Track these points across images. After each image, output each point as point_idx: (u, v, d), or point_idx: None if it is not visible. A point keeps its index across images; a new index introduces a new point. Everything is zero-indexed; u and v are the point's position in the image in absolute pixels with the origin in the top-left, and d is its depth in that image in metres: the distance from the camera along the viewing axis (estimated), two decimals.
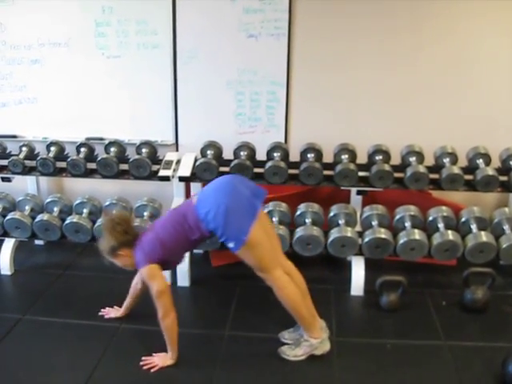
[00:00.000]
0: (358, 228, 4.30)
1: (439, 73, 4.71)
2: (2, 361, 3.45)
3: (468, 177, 4.41)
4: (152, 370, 3.33)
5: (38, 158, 4.70)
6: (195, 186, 4.66)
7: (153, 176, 4.61)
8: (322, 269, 4.53)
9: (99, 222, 4.29)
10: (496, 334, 3.71)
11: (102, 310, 3.94)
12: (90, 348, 3.55)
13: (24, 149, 4.91)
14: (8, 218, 4.41)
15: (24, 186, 5.00)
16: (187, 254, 3.81)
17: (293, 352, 3.44)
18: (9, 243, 4.54)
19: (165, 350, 3.40)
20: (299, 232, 4.11)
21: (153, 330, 3.54)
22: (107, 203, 4.45)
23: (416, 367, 3.40)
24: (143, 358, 3.41)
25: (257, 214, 3.22)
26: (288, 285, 3.32)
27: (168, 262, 3.41)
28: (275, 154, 4.68)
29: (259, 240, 3.21)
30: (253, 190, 3.33)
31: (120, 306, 3.90)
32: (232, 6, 4.69)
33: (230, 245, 3.19)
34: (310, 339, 3.41)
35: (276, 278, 3.29)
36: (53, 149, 4.91)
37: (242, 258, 3.29)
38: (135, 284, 3.76)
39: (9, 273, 4.50)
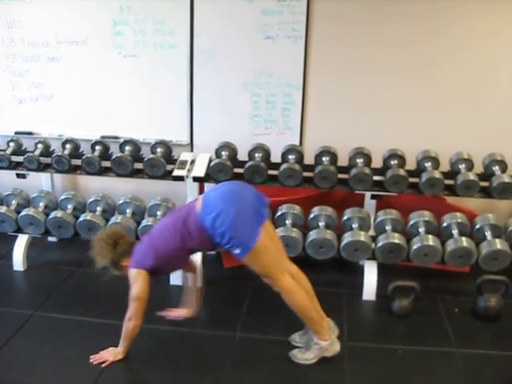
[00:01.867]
0: (372, 232, 4.28)
1: (456, 79, 4.68)
2: (14, 356, 3.46)
3: (483, 183, 4.37)
4: (103, 365, 3.36)
5: (53, 155, 4.72)
6: (209, 187, 4.66)
7: (167, 175, 4.62)
8: (334, 273, 4.52)
9: (112, 220, 4.30)
10: (508, 343, 3.67)
11: (159, 312, 3.75)
12: (100, 345, 3.53)
13: (39, 146, 4.94)
14: (22, 214, 4.43)
15: (39, 182, 5.03)
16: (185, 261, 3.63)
17: (304, 356, 3.43)
18: (22, 239, 4.56)
19: (174, 351, 3.39)
20: (312, 235, 4.10)
21: (163, 329, 3.55)
22: (121, 202, 4.46)
23: (427, 374, 3.38)
24: (91, 356, 3.42)
25: (263, 221, 3.21)
26: (296, 290, 3.30)
27: (160, 270, 3.39)
28: (290, 157, 4.67)
29: (265, 246, 3.19)
30: (258, 197, 3.29)
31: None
32: (250, 8, 4.69)
33: (237, 251, 3.15)
34: (319, 342, 3.40)
35: (284, 284, 3.27)
36: (68, 146, 4.93)
37: (248, 265, 3.26)
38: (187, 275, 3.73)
39: (21, 269, 4.52)
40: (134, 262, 3.34)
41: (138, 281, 3.30)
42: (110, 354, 3.41)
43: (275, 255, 3.29)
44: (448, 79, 4.69)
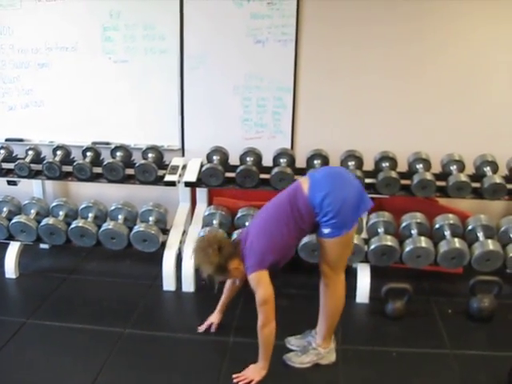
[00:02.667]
0: (364, 235, 4.29)
1: (446, 80, 4.70)
2: (6, 364, 3.44)
3: (475, 184, 4.39)
4: None
5: (44, 162, 4.70)
6: (201, 192, 4.66)
7: (159, 181, 4.61)
8: None
9: (104, 226, 4.28)
10: (502, 343, 3.68)
11: (200, 327, 3.77)
12: (94, 352, 3.54)
13: (30, 152, 4.92)
14: (13, 221, 4.41)
15: (30, 189, 5.01)
16: None
17: (299, 359, 3.42)
18: (14, 247, 4.54)
19: (169, 356, 3.38)
20: (305, 239, 4.09)
21: (156, 336, 3.54)
22: (113, 208, 4.45)
23: (422, 375, 3.38)
24: (234, 376, 3.29)
25: (365, 211, 3.25)
26: (343, 292, 3.33)
27: (278, 263, 3.25)
28: (281, 160, 4.67)
29: (351, 239, 3.24)
30: (361, 186, 3.25)
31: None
32: (239, 12, 4.69)
33: (326, 230, 3.09)
34: (318, 348, 3.41)
35: (340, 281, 3.29)
36: (59, 153, 4.91)
37: (325, 248, 3.18)
38: (232, 282, 3.63)
39: (14, 276, 4.50)
40: (253, 266, 3.16)
41: (260, 283, 3.14)
42: (254, 373, 3.27)
43: (350, 250, 3.34)
44: (438, 80, 4.70)
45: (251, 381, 3.24)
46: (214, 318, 3.77)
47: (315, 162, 4.63)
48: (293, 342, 3.57)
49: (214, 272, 3.22)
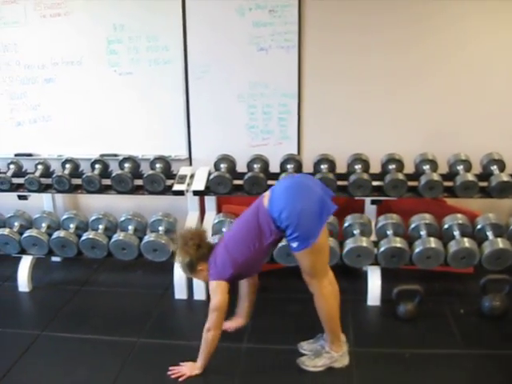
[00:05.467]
0: (374, 237, 4.29)
1: (449, 81, 4.71)
2: (22, 377, 3.46)
3: (482, 183, 4.39)
4: (180, 379, 3.35)
5: (54, 176, 4.74)
6: (209, 200, 4.68)
7: (167, 191, 4.64)
8: (337, 279, 4.45)
9: (115, 237, 4.31)
10: None
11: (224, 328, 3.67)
12: (108, 363, 3.55)
13: (39, 167, 4.96)
14: (25, 235, 4.44)
15: (40, 203, 5.04)
16: None
17: (312, 362, 3.43)
18: (26, 260, 4.57)
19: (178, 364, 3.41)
20: None
21: (170, 344, 3.56)
22: (122, 219, 4.47)
23: (435, 376, 3.37)
24: (170, 368, 3.42)
25: (328, 216, 3.25)
26: (330, 295, 3.33)
27: (240, 276, 3.40)
28: (288, 166, 4.69)
29: (322, 246, 3.23)
30: (325, 190, 3.28)
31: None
32: (241, 20, 4.73)
33: (294, 244, 3.15)
34: (331, 352, 3.41)
35: (323, 286, 3.29)
36: (68, 166, 4.95)
37: (298, 259, 3.25)
38: (245, 281, 3.66)
39: (27, 289, 4.53)
40: (214, 275, 3.31)
41: (217, 292, 3.27)
42: (188, 369, 3.40)
43: (326, 256, 3.33)
44: (442, 82, 4.72)
45: (182, 375, 3.37)
46: (237, 323, 3.74)
47: (322, 166, 4.65)
48: (305, 346, 3.58)
49: (184, 264, 3.38)
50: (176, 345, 3.69)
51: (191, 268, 3.39)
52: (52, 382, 3.43)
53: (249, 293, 3.66)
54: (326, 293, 3.31)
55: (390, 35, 4.65)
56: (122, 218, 4.49)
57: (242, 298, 3.71)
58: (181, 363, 3.44)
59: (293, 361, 3.46)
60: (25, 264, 4.55)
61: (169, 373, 3.40)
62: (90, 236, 4.34)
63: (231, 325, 3.71)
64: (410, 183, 4.41)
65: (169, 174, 4.79)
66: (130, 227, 4.44)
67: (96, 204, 5.17)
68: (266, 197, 3.26)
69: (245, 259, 3.27)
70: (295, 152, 4.95)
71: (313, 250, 3.14)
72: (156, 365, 3.53)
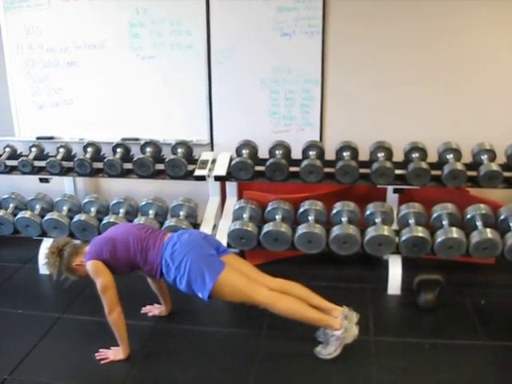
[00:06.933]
0: (395, 226, 4.27)
1: (474, 70, 4.64)
2: (42, 359, 3.50)
3: (507, 174, 4.33)
4: (102, 362, 3.41)
5: (75, 159, 4.76)
6: (231, 185, 4.68)
7: (188, 176, 4.64)
8: (358, 268, 4.50)
9: (135, 221, 4.32)
10: None
11: (143, 308, 3.98)
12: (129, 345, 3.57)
13: (61, 150, 4.98)
14: (46, 218, 4.47)
15: (61, 186, 5.08)
16: None
17: (326, 351, 3.41)
18: (47, 243, 4.58)
19: (201, 350, 3.41)
20: (335, 231, 4.09)
21: (189, 329, 3.57)
22: (143, 203, 4.49)
23: (455, 367, 3.35)
24: (100, 350, 3.49)
25: (220, 269, 3.29)
26: (276, 299, 3.35)
27: (111, 267, 3.46)
28: (311, 153, 4.67)
29: (226, 278, 3.28)
30: (216, 246, 3.52)
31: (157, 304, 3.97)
32: (265, 5, 4.69)
33: (199, 294, 3.29)
34: (334, 333, 3.38)
35: (262, 300, 3.33)
36: (89, 150, 4.96)
37: (223, 300, 3.40)
38: (151, 283, 3.84)
39: (47, 272, 4.55)
40: (90, 254, 3.43)
41: (98, 271, 3.39)
42: (112, 353, 3.47)
43: (241, 281, 3.35)
44: (466, 71, 4.65)
45: (107, 358, 3.43)
46: (160, 311, 3.95)
47: (344, 154, 4.62)
48: (321, 335, 3.54)
49: (62, 273, 3.52)
50: (192, 330, 3.69)
51: (69, 271, 3.52)
52: (72, 364, 3.47)
53: (156, 287, 3.84)
54: (268, 301, 3.34)
55: (416, 26, 4.58)
56: (143, 203, 4.50)
57: (157, 293, 3.89)
58: (111, 347, 3.49)
59: (311, 349, 3.46)
60: (46, 246, 4.55)
61: (96, 354, 3.46)
62: (111, 220, 4.35)
63: (154, 311, 3.94)
64: (433, 172, 4.36)
65: (190, 158, 4.79)
66: (151, 212, 4.45)
67: (117, 188, 5.19)
68: (166, 235, 3.49)
69: (120, 257, 3.43)
70: (317, 139, 4.92)
71: (220, 287, 3.27)
72: (173, 348, 3.55)
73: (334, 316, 3.41)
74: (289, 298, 3.36)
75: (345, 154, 4.62)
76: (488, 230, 4.00)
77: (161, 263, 3.37)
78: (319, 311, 3.42)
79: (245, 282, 3.35)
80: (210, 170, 4.59)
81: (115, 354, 3.45)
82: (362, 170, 4.44)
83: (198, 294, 3.29)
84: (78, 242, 3.91)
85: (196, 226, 4.44)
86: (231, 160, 4.61)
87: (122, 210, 4.49)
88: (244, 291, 3.33)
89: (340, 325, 3.39)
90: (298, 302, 3.37)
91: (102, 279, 3.37)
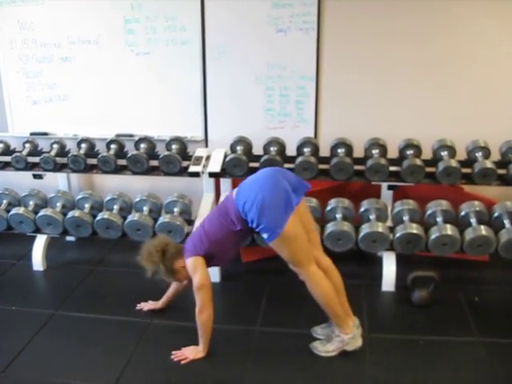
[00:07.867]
0: (389, 223, 4.27)
1: (468, 67, 4.64)
2: (36, 355, 3.49)
3: (501, 171, 4.34)
4: (182, 362, 3.36)
5: (69, 155, 4.74)
6: (225, 182, 4.67)
7: (183, 172, 4.62)
8: (352, 264, 4.50)
9: (130, 218, 4.31)
10: None
11: (138, 305, 3.97)
12: (122, 343, 3.58)
13: (55, 146, 4.97)
14: (40, 214, 4.45)
15: (55, 182, 5.06)
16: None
17: (324, 348, 3.42)
18: (41, 239, 4.59)
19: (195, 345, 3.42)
20: (330, 227, 4.09)
21: (184, 326, 3.57)
22: (137, 199, 4.47)
23: (449, 364, 3.35)
24: (173, 352, 3.43)
25: (293, 208, 3.19)
26: (321, 280, 3.30)
27: (215, 257, 3.42)
28: (305, 149, 4.66)
29: (294, 234, 3.19)
30: (294, 183, 3.28)
31: (154, 301, 3.95)
32: (260, 1, 4.68)
33: (264, 235, 3.19)
34: (341, 335, 3.39)
35: (310, 274, 3.28)
36: (83, 146, 4.95)
37: (276, 250, 3.28)
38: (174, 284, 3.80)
39: (41, 269, 4.55)
40: (188, 252, 3.41)
41: (197, 269, 3.35)
42: (191, 352, 3.42)
43: (304, 243, 3.27)
44: (461, 68, 4.65)
45: (185, 358, 3.38)
46: (154, 306, 3.94)
47: (339, 150, 4.61)
48: (319, 331, 3.58)
49: (160, 272, 3.45)
50: (189, 326, 3.69)
51: (170, 273, 3.47)
52: (66, 360, 3.45)
53: (177, 290, 3.83)
54: (314, 279, 3.30)
55: (411, 23, 4.59)
56: (137, 199, 4.48)
57: (171, 290, 3.86)
58: (183, 348, 3.45)
59: (306, 345, 3.46)
60: (39, 243, 4.57)
61: (172, 357, 3.42)
62: (105, 216, 4.34)
63: (148, 306, 3.92)
64: (428, 169, 4.37)
65: (185, 155, 4.78)
66: (145, 208, 4.44)
67: (111, 184, 5.18)
68: (235, 191, 3.37)
69: (216, 239, 3.35)
70: (312, 135, 4.92)
71: (284, 239, 3.16)
72: (170, 346, 3.52)
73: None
74: (329, 284, 3.33)
75: (339, 150, 4.62)
76: (482, 227, 4.00)
77: (240, 210, 3.23)
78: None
79: (305, 245, 3.28)
80: (204, 166, 4.58)
81: (194, 353, 3.42)
82: (356, 167, 4.44)
83: (264, 235, 3.20)
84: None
85: (190, 222, 4.43)
86: (225, 156, 4.60)
87: (116, 207, 4.48)
88: (301, 253, 3.27)
89: (351, 330, 3.41)
90: (334, 292, 3.35)
91: (199, 277, 3.33)
